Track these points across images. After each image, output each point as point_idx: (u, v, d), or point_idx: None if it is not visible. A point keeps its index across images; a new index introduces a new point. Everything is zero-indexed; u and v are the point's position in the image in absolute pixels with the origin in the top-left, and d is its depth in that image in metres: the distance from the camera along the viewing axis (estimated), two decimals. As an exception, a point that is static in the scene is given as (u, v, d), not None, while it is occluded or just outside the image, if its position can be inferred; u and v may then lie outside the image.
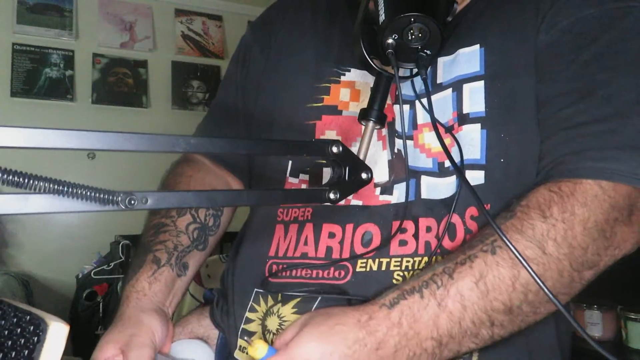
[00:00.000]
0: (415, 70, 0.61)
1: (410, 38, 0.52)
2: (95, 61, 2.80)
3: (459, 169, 0.51)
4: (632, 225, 0.55)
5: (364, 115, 0.58)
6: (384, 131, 0.67)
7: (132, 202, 0.37)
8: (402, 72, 0.62)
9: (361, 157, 0.55)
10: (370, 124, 0.57)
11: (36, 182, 0.33)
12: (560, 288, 0.54)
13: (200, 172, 0.83)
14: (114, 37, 2.85)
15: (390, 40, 0.53)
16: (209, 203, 0.42)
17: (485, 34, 0.64)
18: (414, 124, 0.66)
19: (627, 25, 0.58)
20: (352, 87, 0.72)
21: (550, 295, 0.43)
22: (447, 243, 0.61)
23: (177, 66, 2.99)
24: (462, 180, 0.49)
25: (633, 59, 0.58)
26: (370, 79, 0.67)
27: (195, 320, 0.80)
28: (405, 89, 0.67)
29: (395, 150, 0.66)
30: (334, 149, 0.48)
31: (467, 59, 0.64)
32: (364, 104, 0.66)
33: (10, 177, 0.32)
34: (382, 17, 0.53)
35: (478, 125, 0.62)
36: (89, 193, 0.35)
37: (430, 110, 0.55)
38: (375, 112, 0.57)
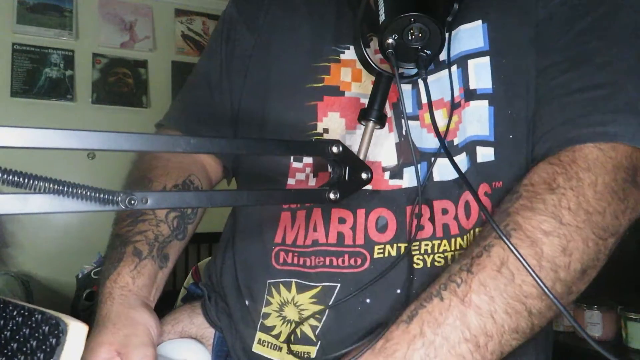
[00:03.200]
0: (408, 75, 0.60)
1: (410, 38, 0.52)
2: (95, 61, 2.80)
3: (448, 152, 0.50)
4: (639, 186, 0.54)
5: (364, 115, 0.58)
6: (389, 112, 0.65)
7: (132, 202, 0.37)
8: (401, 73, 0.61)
9: (361, 157, 0.55)
10: (370, 124, 0.57)
11: (36, 182, 0.33)
12: (588, 261, 0.50)
13: (176, 155, 0.79)
14: (114, 37, 2.85)
15: (390, 40, 0.52)
16: (209, 203, 0.42)
17: (487, 9, 0.63)
18: (419, 103, 0.65)
19: (624, 1, 0.58)
20: (354, 66, 0.69)
21: (544, 288, 0.43)
22: (463, 221, 0.60)
23: (177, 66, 2.99)
24: (454, 165, 0.49)
25: (628, 29, 0.57)
26: (370, 55, 0.66)
27: (186, 319, 0.76)
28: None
29: (404, 133, 0.64)
30: (334, 149, 0.48)
31: (470, 34, 0.62)
32: (367, 84, 0.66)
33: (10, 177, 0.32)
34: (382, 17, 0.53)
35: (485, 102, 0.61)
36: (89, 193, 0.35)
37: (430, 112, 0.54)
38: (375, 112, 0.57)
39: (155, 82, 2.92)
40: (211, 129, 0.80)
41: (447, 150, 0.53)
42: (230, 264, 0.74)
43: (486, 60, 0.62)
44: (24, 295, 2.20)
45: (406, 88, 0.65)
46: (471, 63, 0.62)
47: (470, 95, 0.62)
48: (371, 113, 0.57)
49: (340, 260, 0.62)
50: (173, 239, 0.73)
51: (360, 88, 0.67)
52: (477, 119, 0.61)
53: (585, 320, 1.47)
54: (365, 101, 0.64)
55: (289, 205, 0.68)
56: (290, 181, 0.69)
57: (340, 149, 0.48)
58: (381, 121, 0.57)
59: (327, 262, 0.63)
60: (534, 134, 0.59)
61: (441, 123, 0.63)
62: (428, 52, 0.53)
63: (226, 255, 0.76)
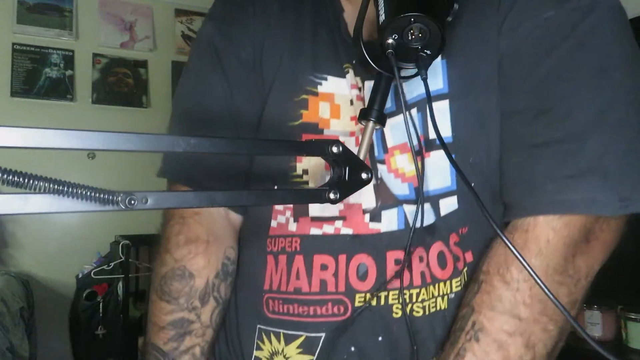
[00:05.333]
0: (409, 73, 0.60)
1: (410, 38, 0.52)
2: (95, 61, 2.80)
3: (468, 183, 0.48)
4: (592, 250, 0.55)
5: (364, 115, 0.58)
6: (362, 154, 0.62)
7: (132, 202, 0.37)
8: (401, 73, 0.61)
9: (361, 157, 0.55)
10: (370, 124, 0.57)
11: (36, 182, 0.33)
12: (552, 342, 0.54)
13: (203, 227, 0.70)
14: (114, 37, 2.85)
15: (390, 40, 0.52)
16: (210, 203, 0.42)
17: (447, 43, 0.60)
18: (384, 147, 0.63)
19: (588, 29, 0.55)
20: (332, 101, 0.66)
21: (548, 293, 0.43)
22: (438, 272, 0.61)
23: (177, 66, 2.99)
24: (473, 194, 0.47)
25: (593, 67, 0.54)
26: (347, 90, 0.65)
27: None
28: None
29: (379, 176, 0.63)
30: (334, 149, 0.48)
31: (430, 72, 0.58)
32: (346, 121, 0.65)
33: (10, 177, 0.31)
34: (382, 17, 0.53)
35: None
36: (89, 193, 0.35)
37: (431, 115, 0.54)
38: (375, 112, 0.57)
39: (155, 82, 2.93)
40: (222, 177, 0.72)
41: (445, 145, 0.52)
42: (232, 299, 0.72)
43: (445, 104, 0.61)
44: (24, 295, 2.20)
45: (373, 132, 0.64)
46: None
47: (430, 145, 0.61)
48: (371, 113, 0.57)
49: (324, 308, 0.62)
50: (214, 335, 0.70)
51: (340, 125, 0.66)
52: (438, 172, 0.61)
53: (585, 320, 1.47)
54: (344, 139, 0.64)
55: (271, 249, 0.67)
56: (273, 223, 0.67)
57: (340, 149, 0.48)
58: (381, 121, 0.57)
59: (312, 312, 0.62)
60: (501, 179, 0.60)
61: (407, 168, 0.62)
62: (428, 52, 0.53)
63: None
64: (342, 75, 0.66)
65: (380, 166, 0.63)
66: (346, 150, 0.49)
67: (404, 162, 0.63)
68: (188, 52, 3.03)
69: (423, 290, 0.60)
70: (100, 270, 2.42)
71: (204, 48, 0.75)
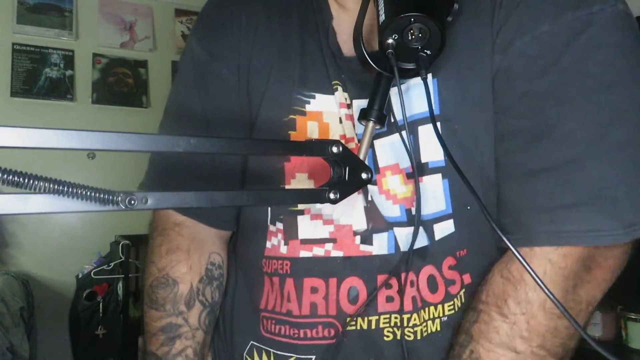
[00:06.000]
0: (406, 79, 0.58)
1: (410, 38, 0.52)
2: (95, 61, 2.80)
3: (478, 199, 0.46)
4: (595, 279, 0.53)
5: (364, 115, 0.58)
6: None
7: (132, 202, 0.37)
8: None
9: (361, 157, 0.55)
10: (370, 124, 0.57)
11: (36, 182, 0.33)
12: None
13: (188, 252, 0.71)
14: (114, 37, 2.85)
15: (390, 40, 0.52)
16: (210, 203, 0.42)
17: (437, 61, 0.55)
18: (376, 168, 0.62)
19: (585, 43, 0.51)
20: (320, 120, 0.64)
21: (546, 291, 0.43)
22: (428, 296, 0.60)
23: (177, 66, 2.98)
24: (478, 201, 0.46)
25: (591, 85, 0.51)
26: (335, 108, 0.64)
27: None
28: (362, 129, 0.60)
29: (369, 198, 0.62)
30: (334, 149, 0.48)
31: (421, 92, 0.57)
32: (335, 138, 0.63)
33: (10, 177, 0.31)
34: (382, 17, 0.53)
35: (439, 176, 0.59)
36: (89, 193, 0.35)
37: (432, 118, 0.54)
38: (375, 112, 0.57)
39: (155, 82, 2.92)
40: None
41: (449, 151, 0.52)
42: (229, 310, 0.74)
43: (437, 127, 0.59)
44: (24, 295, 2.20)
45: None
46: (422, 130, 0.59)
47: (422, 169, 0.60)
48: (371, 113, 0.57)
49: (314, 331, 0.62)
50: (207, 337, 0.72)
51: None
52: (432, 196, 0.60)
53: (585, 320, 1.47)
54: None
55: (266, 270, 0.67)
56: (268, 244, 0.67)
57: (340, 149, 0.48)
58: (381, 121, 0.57)
59: (302, 335, 0.62)
60: (498, 202, 0.58)
61: (399, 190, 0.61)
62: (428, 52, 0.53)
63: (227, 297, 0.75)
64: (331, 92, 0.64)
65: (371, 187, 0.62)
66: (346, 150, 0.49)
67: (395, 184, 0.61)
68: (188, 52, 3.03)
69: (415, 315, 0.60)
70: (100, 270, 2.42)
71: (190, 63, 0.75)
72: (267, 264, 0.67)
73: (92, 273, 2.41)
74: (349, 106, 0.64)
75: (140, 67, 2.90)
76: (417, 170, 0.59)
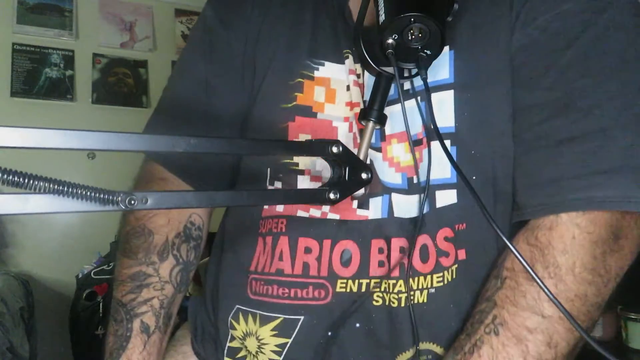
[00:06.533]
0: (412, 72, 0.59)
1: (410, 38, 0.52)
2: (95, 61, 2.80)
3: (469, 183, 0.47)
4: (622, 249, 0.53)
5: (364, 115, 0.58)
6: (360, 140, 0.62)
7: (132, 202, 0.37)
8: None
9: (361, 157, 0.55)
10: (370, 124, 0.57)
11: (36, 182, 0.33)
12: (574, 343, 0.52)
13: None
14: (114, 37, 2.85)
15: (390, 40, 0.52)
16: (210, 203, 0.42)
17: (455, 34, 0.59)
18: (382, 136, 0.63)
19: (608, 21, 0.53)
20: (328, 85, 0.66)
21: (541, 284, 0.43)
22: (418, 265, 0.60)
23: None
24: (473, 194, 0.46)
25: (616, 59, 0.53)
26: (344, 76, 0.65)
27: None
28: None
29: (368, 161, 0.62)
30: (334, 149, 0.48)
31: (436, 62, 0.58)
32: (341, 106, 0.65)
33: (10, 177, 0.31)
34: (382, 17, 0.53)
35: (448, 142, 0.59)
36: (89, 193, 0.35)
37: (430, 114, 0.54)
38: (375, 112, 0.57)
39: (155, 82, 2.92)
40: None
41: (439, 134, 0.51)
42: (215, 278, 0.73)
43: (450, 94, 0.60)
44: (24, 295, 2.20)
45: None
46: (435, 97, 0.60)
47: (432, 135, 0.59)
48: (371, 113, 0.57)
49: (304, 292, 0.62)
50: (176, 294, 0.71)
51: (334, 110, 0.65)
52: (438, 162, 0.59)
53: (585, 320, 1.47)
54: (337, 124, 0.64)
55: (261, 231, 0.67)
56: (265, 205, 0.68)
57: (340, 149, 0.48)
58: (381, 121, 0.57)
59: (292, 294, 0.62)
60: (517, 178, 0.58)
61: (403, 157, 0.62)
62: (428, 52, 0.53)
63: (215, 268, 0.75)
64: (341, 61, 0.66)
65: (374, 153, 0.62)
66: (346, 150, 0.49)
67: (400, 151, 0.62)
68: (188, 52, 3.03)
69: (400, 282, 0.59)
70: (100, 270, 2.42)
71: (200, 29, 0.77)
72: (263, 225, 0.67)
73: (92, 273, 2.40)
74: (360, 75, 0.64)
75: (140, 67, 2.90)
76: (427, 135, 0.60)
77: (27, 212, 0.33)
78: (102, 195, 0.35)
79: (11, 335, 1.89)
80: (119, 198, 0.36)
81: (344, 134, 0.64)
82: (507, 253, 0.57)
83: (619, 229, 0.52)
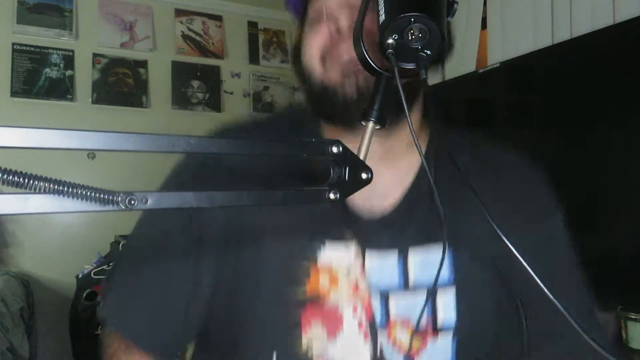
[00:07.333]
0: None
1: (410, 38, 0.52)
2: (95, 61, 2.80)
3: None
4: None
5: (364, 115, 0.58)
6: (364, 324, 0.64)
7: (132, 202, 0.37)
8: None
9: (361, 157, 0.55)
10: (370, 124, 0.57)
11: (36, 182, 0.33)
12: None
13: None
14: (114, 37, 2.85)
15: (390, 41, 0.52)
16: (209, 203, 0.42)
17: (456, 228, 0.57)
18: (387, 316, 0.65)
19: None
20: (330, 272, 0.65)
21: (545, 290, 0.43)
22: None
23: (177, 66, 2.98)
24: None
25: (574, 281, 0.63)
26: (346, 256, 0.65)
27: None
28: (378, 280, 0.65)
29: (378, 350, 0.63)
30: (334, 149, 0.48)
31: (438, 259, 0.58)
32: (344, 290, 0.65)
33: (10, 177, 0.31)
34: (382, 17, 0.53)
35: (449, 336, 0.64)
36: (89, 193, 0.35)
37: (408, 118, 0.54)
38: (375, 112, 0.57)
39: (155, 82, 2.92)
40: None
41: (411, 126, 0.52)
42: None
43: (451, 293, 0.64)
44: (24, 295, 2.20)
45: (376, 304, 0.65)
46: (438, 296, 0.64)
47: (436, 330, 0.64)
48: (371, 113, 0.57)
49: None
50: None
51: (338, 294, 0.65)
52: (438, 355, 0.64)
53: (585, 320, 1.47)
54: (343, 312, 0.65)
55: None
56: None
57: (340, 148, 0.48)
58: (381, 122, 0.57)
59: None
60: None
61: (406, 342, 0.64)
62: (428, 52, 0.53)
63: None
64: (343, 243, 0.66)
65: (380, 332, 0.64)
66: (346, 150, 0.49)
67: (402, 336, 0.64)
68: (188, 52, 3.03)
69: None
70: (100, 270, 2.42)
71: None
72: None
73: (92, 273, 2.41)
74: (362, 258, 0.66)
75: (140, 67, 2.90)
76: (433, 329, 0.64)
77: (27, 212, 0.33)
78: (102, 195, 0.35)
79: (11, 335, 1.89)
80: (119, 198, 0.36)
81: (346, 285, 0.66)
82: None
83: None
